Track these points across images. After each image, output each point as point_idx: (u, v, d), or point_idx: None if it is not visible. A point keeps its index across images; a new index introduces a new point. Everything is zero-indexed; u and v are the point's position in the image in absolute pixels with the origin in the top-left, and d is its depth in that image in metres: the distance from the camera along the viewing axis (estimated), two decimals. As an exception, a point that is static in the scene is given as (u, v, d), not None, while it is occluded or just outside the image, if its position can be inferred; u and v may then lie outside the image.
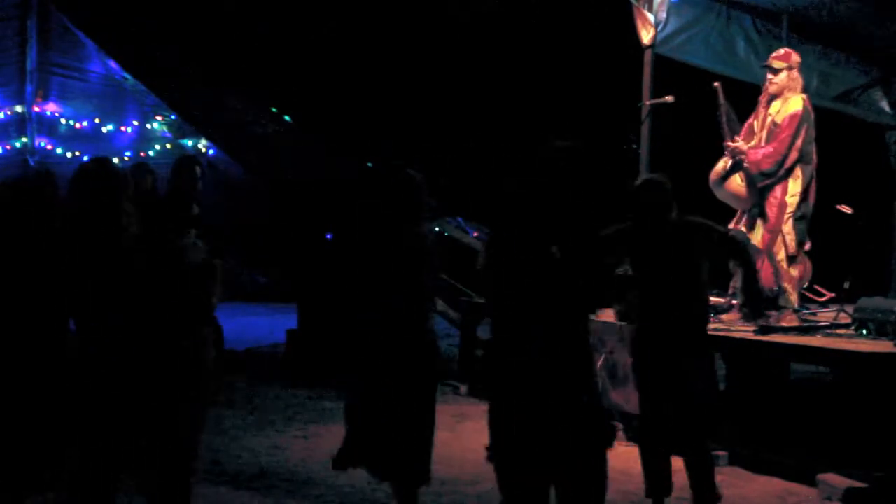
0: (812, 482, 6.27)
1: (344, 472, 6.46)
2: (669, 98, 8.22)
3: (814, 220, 7.81)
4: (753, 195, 7.74)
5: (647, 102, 8.45)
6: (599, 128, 12.02)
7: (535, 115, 14.63)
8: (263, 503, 5.94)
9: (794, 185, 7.55)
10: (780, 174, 7.54)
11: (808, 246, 7.81)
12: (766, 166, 7.54)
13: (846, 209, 8.08)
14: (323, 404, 8.58)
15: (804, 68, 9.43)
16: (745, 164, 7.67)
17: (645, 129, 8.48)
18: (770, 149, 7.54)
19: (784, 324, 7.41)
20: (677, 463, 6.98)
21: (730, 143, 7.77)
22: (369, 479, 6.10)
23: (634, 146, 8.38)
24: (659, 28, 8.64)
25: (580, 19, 13.44)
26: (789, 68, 7.68)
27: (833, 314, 7.68)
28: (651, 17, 8.57)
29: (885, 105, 10.05)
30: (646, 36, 8.60)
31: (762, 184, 7.63)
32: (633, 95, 8.63)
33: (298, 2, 16.10)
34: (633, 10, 8.61)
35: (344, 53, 15.76)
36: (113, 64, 14.47)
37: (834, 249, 8.12)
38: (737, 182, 7.81)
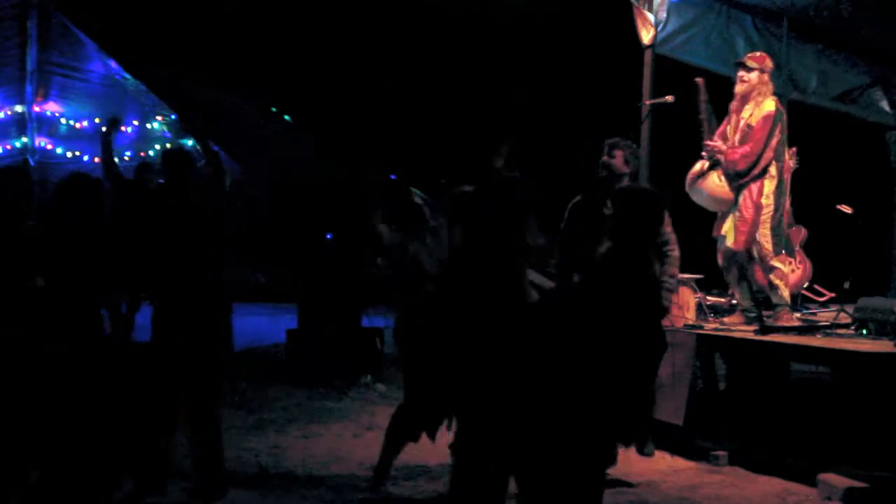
0: (812, 482, 6.26)
1: (343, 472, 6.49)
2: (669, 98, 8.20)
3: (814, 221, 7.79)
4: (733, 195, 7.72)
5: (647, 102, 8.45)
6: (599, 128, 12.02)
7: (535, 116, 14.65)
8: (263, 503, 5.93)
9: (769, 186, 7.50)
10: (754, 173, 7.52)
11: (803, 235, 7.75)
12: (743, 166, 7.51)
13: (846, 209, 8.07)
14: (323, 404, 8.57)
15: (803, 68, 9.50)
16: (723, 164, 7.65)
17: (645, 129, 8.47)
18: (747, 148, 7.51)
19: (783, 323, 7.40)
20: (676, 462, 7.02)
21: (708, 143, 7.75)
22: (368, 479, 6.11)
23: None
24: (659, 28, 8.64)
25: (580, 19, 13.44)
26: (761, 70, 7.61)
27: (833, 314, 7.68)
28: (651, 16, 8.57)
29: (885, 105, 10.07)
30: (646, 36, 8.60)
31: (737, 183, 7.61)
32: (633, 95, 8.63)
33: (298, 2, 16.11)
34: (633, 10, 8.60)
35: (344, 53, 15.77)
36: (113, 64, 14.46)
37: (834, 249, 8.11)
38: (714, 181, 7.75)
